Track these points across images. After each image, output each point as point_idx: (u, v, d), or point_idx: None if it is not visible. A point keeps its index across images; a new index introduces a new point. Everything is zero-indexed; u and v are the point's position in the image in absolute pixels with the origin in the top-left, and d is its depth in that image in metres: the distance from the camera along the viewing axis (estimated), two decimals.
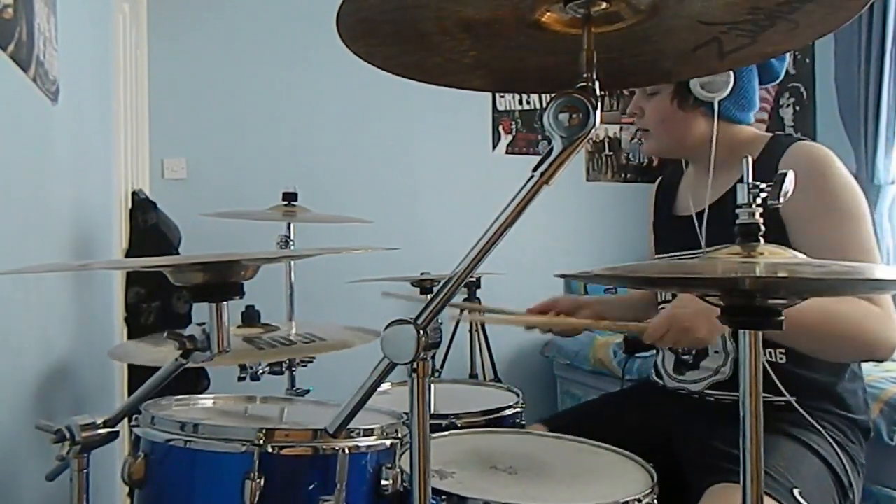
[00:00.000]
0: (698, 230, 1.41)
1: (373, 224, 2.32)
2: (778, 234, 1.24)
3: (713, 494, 1.13)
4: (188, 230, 2.55)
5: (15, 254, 1.06)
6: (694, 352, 1.41)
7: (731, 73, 1.34)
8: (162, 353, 1.05)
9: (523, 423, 1.50)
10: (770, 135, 1.41)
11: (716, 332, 1.20)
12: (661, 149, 1.50)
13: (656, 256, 1.57)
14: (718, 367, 1.37)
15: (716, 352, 1.37)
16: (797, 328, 1.21)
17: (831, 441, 1.24)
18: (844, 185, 1.28)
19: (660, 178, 1.65)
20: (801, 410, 1.24)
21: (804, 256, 0.77)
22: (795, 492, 1.09)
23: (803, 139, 1.36)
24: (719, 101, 1.36)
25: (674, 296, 1.47)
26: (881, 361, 1.27)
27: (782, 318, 0.72)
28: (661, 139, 1.46)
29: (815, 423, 1.25)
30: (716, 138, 1.37)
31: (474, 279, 2.86)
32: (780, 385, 1.24)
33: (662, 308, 1.51)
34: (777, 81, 1.47)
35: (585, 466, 1.12)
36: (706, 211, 1.40)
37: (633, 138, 4.16)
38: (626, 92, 1.54)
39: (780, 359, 1.31)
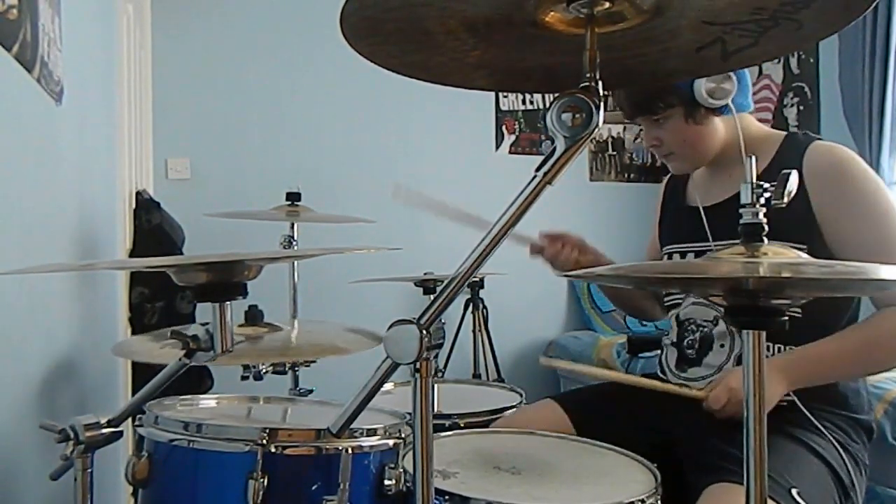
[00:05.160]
0: (706, 224, 1.41)
1: (376, 224, 2.32)
2: (811, 235, 1.26)
3: (711, 494, 1.13)
4: (192, 230, 2.56)
5: (19, 254, 1.06)
6: (697, 346, 1.41)
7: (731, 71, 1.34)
8: (166, 350, 1.05)
9: None
10: (784, 133, 1.41)
11: (771, 403, 1.21)
12: (692, 165, 1.49)
13: (664, 250, 1.57)
14: (721, 364, 1.36)
15: (721, 346, 1.37)
16: (842, 369, 1.28)
17: (832, 441, 1.24)
18: (875, 185, 1.30)
19: (670, 176, 1.65)
20: (805, 410, 1.24)
21: (808, 256, 0.76)
22: (794, 492, 1.09)
23: (819, 138, 1.36)
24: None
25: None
26: None
27: (786, 317, 0.72)
28: (690, 157, 1.45)
29: (816, 422, 1.25)
30: (742, 140, 1.37)
31: (477, 279, 2.87)
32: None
33: (668, 303, 1.51)
34: None
35: (589, 467, 1.12)
36: (717, 208, 1.40)
37: (636, 138, 4.15)
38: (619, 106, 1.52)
39: None
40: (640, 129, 1.50)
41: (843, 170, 1.29)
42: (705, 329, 1.40)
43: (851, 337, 1.28)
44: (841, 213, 1.27)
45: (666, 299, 1.53)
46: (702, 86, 1.33)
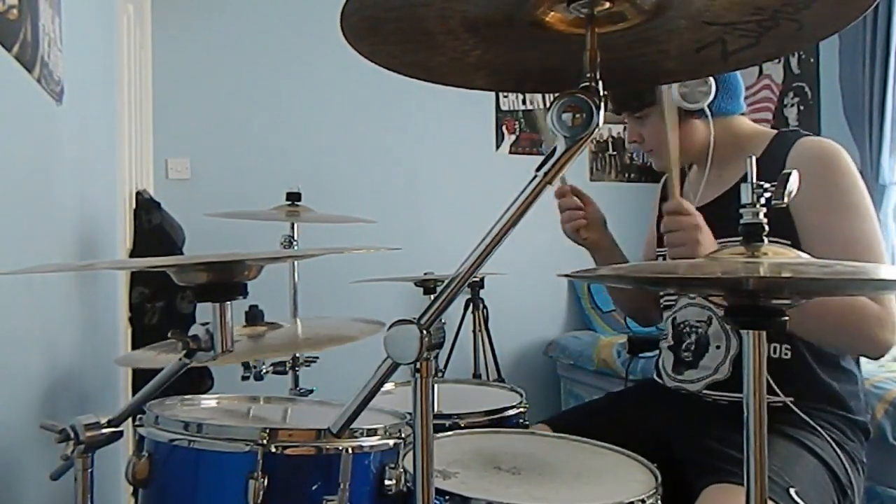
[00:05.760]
0: None
1: (376, 224, 2.32)
2: (786, 225, 1.26)
3: (709, 495, 1.13)
4: (192, 230, 2.56)
5: (19, 254, 1.06)
6: (693, 348, 1.40)
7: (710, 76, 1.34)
8: (166, 356, 1.06)
9: (527, 423, 1.50)
10: (775, 131, 1.41)
11: (693, 246, 1.20)
12: (672, 165, 1.50)
13: (658, 251, 1.57)
14: (717, 365, 1.36)
15: (717, 347, 1.37)
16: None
17: (829, 440, 1.24)
18: (852, 181, 1.29)
19: (667, 175, 1.65)
20: (799, 412, 1.24)
21: (808, 256, 0.76)
22: (792, 491, 1.09)
23: (809, 134, 1.36)
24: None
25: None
26: (874, 358, 1.28)
27: (786, 318, 0.72)
28: (668, 156, 1.46)
29: (812, 422, 1.24)
30: (713, 141, 1.38)
31: (477, 279, 2.87)
32: (775, 388, 1.24)
33: (663, 305, 1.52)
34: None
35: (589, 467, 1.12)
36: (708, 207, 1.40)
37: None
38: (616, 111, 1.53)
39: (785, 354, 1.31)
40: (644, 153, 1.53)
41: (823, 163, 1.28)
42: (700, 330, 1.40)
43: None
44: (812, 205, 1.25)
45: (662, 300, 1.53)
46: (677, 89, 1.34)
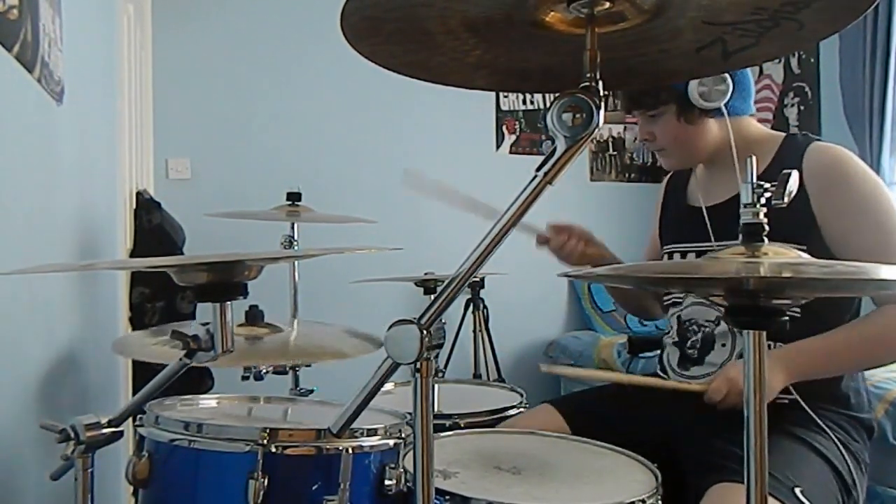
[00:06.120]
0: (708, 224, 1.41)
1: (376, 224, 2.32)
2: (811, 236, 1.27)
3: (714, 494, 1.13)
4: (192, 230, 2.56)
5: (20, 254, 1.06)
6: (699, 345, 1.41)
7: (727, 74, 1.34)
8: (165, 349, 1.05)
9: None
10: (783, 134, 1.41)
11: (771, 395, 1.21)
12: (682, 164, 1.52)
13: (665, 249, 1.57)
14: (724, 362, 1.37)
15: (723, 345, 1.37)
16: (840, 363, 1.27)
17: (835, 440, 1.24)
18: (874, 184, 1.30)
19: (671, 172, 1.65)
20: (807, 408, 1.25)
21: (808, 256, 0.76)
22: (797, 490, 1.09)
23: (819, 139, 1.37)
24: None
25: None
26: None
27: (786, 318, 0.72)
28: (680, 155, 1.47)
29: (818, 421, 1.25)
30: (734, 144, 1.37)
31: (478, 279, 2.87)
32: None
33: (667, 301, 1.52)
34: None
35: (589, 467, 1.12)
36: (717, 208, 1.41)
37: (636, 138, 4.15)
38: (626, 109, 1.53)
39: None
40: (653, 151, 1.53)
41: (843, 170, 1.30)
42: (707, 329, 1.40)
43: (851, 332, 1.29)
44: (841, 213, 1.28)
45: (665, 298, 1.53)
46: (695, 87, 1.34)
